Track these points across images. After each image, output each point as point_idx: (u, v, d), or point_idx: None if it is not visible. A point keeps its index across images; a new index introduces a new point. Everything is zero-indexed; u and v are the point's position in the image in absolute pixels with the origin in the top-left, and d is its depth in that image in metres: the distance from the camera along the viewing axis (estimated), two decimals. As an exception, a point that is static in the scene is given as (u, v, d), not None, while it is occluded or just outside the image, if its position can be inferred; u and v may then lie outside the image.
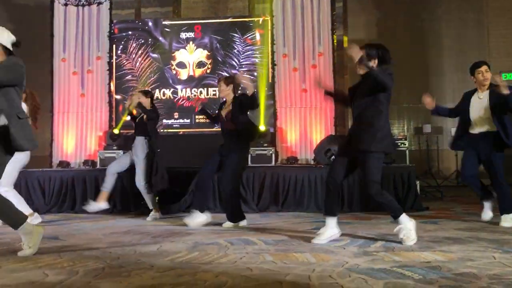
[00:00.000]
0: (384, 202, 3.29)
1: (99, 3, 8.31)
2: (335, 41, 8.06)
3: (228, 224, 4.34)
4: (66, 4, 8.31)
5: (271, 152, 6.82)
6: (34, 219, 4.63)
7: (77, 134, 8.10)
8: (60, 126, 8.06)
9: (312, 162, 7.21)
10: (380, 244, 3.23)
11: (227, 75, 4.66)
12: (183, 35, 8.37)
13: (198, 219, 4.28)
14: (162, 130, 8.08)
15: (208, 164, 4.35)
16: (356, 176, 5.33)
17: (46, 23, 8.65)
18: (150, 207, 5.09)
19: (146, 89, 5.63)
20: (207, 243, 3.39)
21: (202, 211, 4.31)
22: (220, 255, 2.94)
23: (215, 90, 8.21)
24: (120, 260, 2.83)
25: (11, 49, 3.13)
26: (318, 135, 7.84)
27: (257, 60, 8.16)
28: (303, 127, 7.91)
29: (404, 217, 3.27)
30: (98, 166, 6.88)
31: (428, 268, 2.48)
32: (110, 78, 8.22)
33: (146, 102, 5.00)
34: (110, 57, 8.25)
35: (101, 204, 4.95)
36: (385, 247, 3.13)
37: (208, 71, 8.30)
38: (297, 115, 7.95)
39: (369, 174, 3.24)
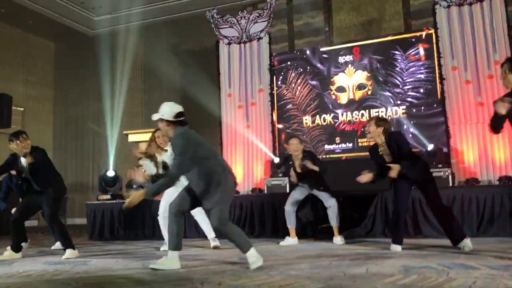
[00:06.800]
0: None
1: (259, 39, 8.72)
2: (512, 47, 7.18)
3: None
4: (229, 43, 8.90)
5: (447, 173, 6.21)
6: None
7: (244, 163, 8.44)
8: (229, 156, 8.48)
9: (496, 183, 6.37)
10: None
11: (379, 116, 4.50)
12: (341, 59, 8.28)
13: None
14: (324, 156, 7.99)
15: (404, 198, 4.19)
16: None
17: (209, 63, 9.44)
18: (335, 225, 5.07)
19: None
20: (419, 266, 3.07)
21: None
22: (445, 279, 2.60)
23: (377, 111, 7.90)
24: (335, 281, 2.69)
25: (174, 120, 3.33)
26: (501, 153, 6.92)
27: (423, 76, 7.64)
28: (482, 145, 7.05)
29: None
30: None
31: None
32: (272, 109, 8.48)
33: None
34: (271, 88, 8.52)
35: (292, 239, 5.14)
36: None
37: (369, 92, 8.04)
38: (474, 131, 7.14)
39: None
